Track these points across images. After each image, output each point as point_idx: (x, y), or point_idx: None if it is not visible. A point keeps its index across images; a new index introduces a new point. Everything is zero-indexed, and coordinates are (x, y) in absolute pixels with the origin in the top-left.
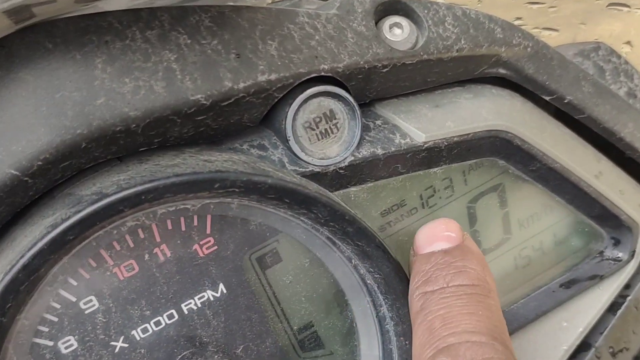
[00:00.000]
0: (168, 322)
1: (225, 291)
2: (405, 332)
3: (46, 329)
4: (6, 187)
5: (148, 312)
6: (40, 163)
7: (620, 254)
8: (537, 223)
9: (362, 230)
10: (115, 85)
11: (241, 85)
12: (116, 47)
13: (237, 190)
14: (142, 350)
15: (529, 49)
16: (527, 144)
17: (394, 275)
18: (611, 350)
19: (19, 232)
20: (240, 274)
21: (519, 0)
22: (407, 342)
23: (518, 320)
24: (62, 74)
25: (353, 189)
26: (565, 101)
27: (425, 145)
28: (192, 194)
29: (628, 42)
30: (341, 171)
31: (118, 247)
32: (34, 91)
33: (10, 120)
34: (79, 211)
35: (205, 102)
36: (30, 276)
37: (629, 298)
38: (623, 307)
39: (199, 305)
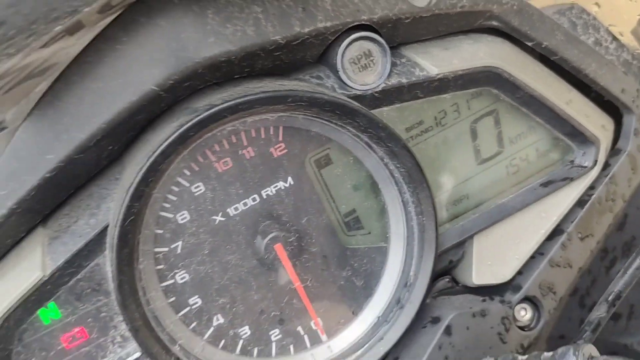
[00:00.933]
0: (252, 203)
1: (292, 182)
2: (422, 212)
3: (168, 205)
4: (149, 99)
5: (238, 196)
6: (171, 82)
7: (586, 162)
8: (523, 140)
9: (391, 135)
10: (220, 29)
11: (306, 29)
12: (221, 3)
13: (302, 104)
14: (234, 222)
15: (514, 6)
16: (513, 77)
17: (414, 169)
18: (579, 235)
19: (150, 134)
20: (302, 171)
21: None
22: (423, 219)
23: (508, 210)
24: (185, 21)
25: (385, 108)
26: (543, 46)
27: (438, 77)
28: (272, 106)
29: (596, 3)
30: (376, 94)
31: (218, 148)
32: (166, 33)
33: (151, 52)
34: (197, 116)
35: (281, 41)
36: (165, 160)
37: (593, 196)
38: (588, 203)
39: (274, 192)
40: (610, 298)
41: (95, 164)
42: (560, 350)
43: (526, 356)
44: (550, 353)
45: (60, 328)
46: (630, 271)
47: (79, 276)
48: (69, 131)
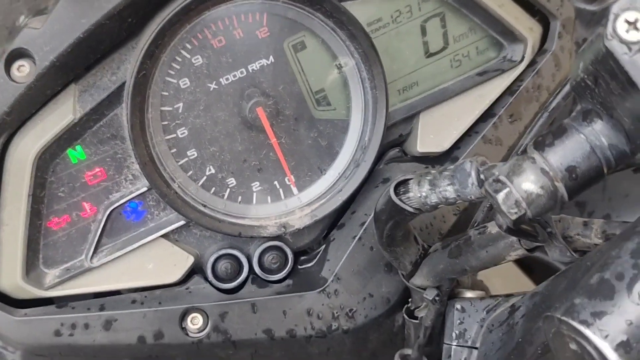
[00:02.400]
0: (240, 75)
1: (273, 60)
2: (376, 86)
3: (172, 72)
4: None
5: (229, 68)
6: None
7: (515, 57)
8: (465, 39)
9: (351, 19)
10: None
11: None
12: None
13: None
14: (225, 89)
15: None
16: None
17: (370, 50)
18: (509, 119)
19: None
20: (282, 52)
21: None
22: (376, 92)
23: (449, 93)
24: None
25: (349, 2)
26: None
27: None
28: None
29: None
30: None
31: (213, 27)
32: None
33: None
34: None
35: None
36: (171, 27)
37: (521, 86)
38: (517, 91)
39: (258, 67)
40: (519, 152)
41: (117, 34)
42: (459, 162)
43: (434, 171)
44: (454, 165)
45: (84, 167)
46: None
47: (101, 122)
48: (99, 1)
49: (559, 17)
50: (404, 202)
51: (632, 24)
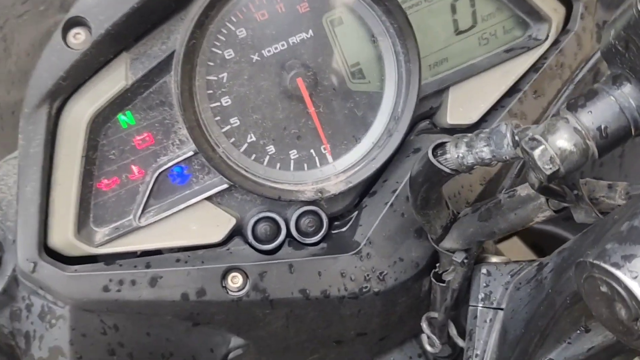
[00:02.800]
0: (281, 48)
1: (312, 34)
2: (410, 60)
3: (218, 43)
4: None
5: (271, 41)
6: None
7: (540, 36)
8: (493, 18)
9: None
10: None
11: None
12: None
13: None
14: (267, 60)
15: None
16: None
17: (405, 25)
18: (534, 95)
19: None
20: (320, 27)
21: None
22: (410, 65)
23: (477, 69)
24: None
25: None
26: None
27: None
28: None
29: None
30: None
31: (257, 2)
32: None
33: None
34: None
35: None
36: (204, 19)
37: (545, 64)
38: (542, 69)
39: (298, 40)
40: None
41: (167, 5)
42: (495, 125)
43: (470, 134)
44: (489, 128)
45: (134, 131)
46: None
47: (151, 89)
48: None
49: None
50: (441, 164)
51: None
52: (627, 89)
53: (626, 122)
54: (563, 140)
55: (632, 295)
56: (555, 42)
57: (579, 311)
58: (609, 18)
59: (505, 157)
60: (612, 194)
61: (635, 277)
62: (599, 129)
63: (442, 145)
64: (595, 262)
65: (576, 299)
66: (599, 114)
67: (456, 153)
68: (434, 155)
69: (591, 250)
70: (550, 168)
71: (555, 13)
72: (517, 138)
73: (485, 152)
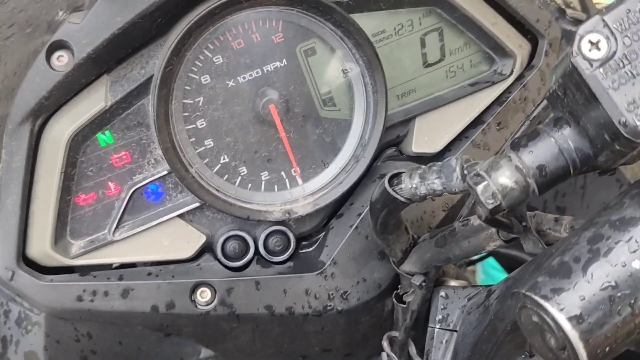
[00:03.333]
0: (256, 75)
1: (286, 63)
2: (377, 90)
3: (195, 69)
4: None
5: (246, 68)
6: None
7: (505, 71)
8: (460, 53)
9: (357, 29)
10: None
11: None
12: None
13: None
14: (242, 86)
15: None
16: (454, 1)
17: (373, 57)
18: (497, 126)
19: (187, 16)
20: (294, 56)
21: None
22: (377, 96)
23: (443, 100)
24: None
25: (356, 14)
26: None
27: None
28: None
29: None
30: (350, 2)
31: (234, 31)
32: None
33: None
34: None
35: None
36: (197, 28)
37: (509, 97)
38: (505, 102)
39: (272, 68)
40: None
41: (148, 32)
42: (446, 159)
43: (424, 166)
44: (441, 161)
45: (112, 150)
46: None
47: (129, 111)
48: (134, 2)
49: (547, 36)
50: (397, 192)
51: (594, 44)
52: (567, 131)
53: (565, 162)
54: (505, 178)
55: (559, 326)
56: (520, 77)
57: (520, 338)
58: None
59: (455, 190)
60: (558, 227)
61: (562, 310)
62: (539, 167)
63: (398, 175)
64: (527, 293)
65: (516, 326)
66: (540, 153)
67: (410, 184)
68: (390, 185)
69: (526, 281)
70: (492, 203)
71: (520, 49)
72: (465, 172)
73: (436, 184)
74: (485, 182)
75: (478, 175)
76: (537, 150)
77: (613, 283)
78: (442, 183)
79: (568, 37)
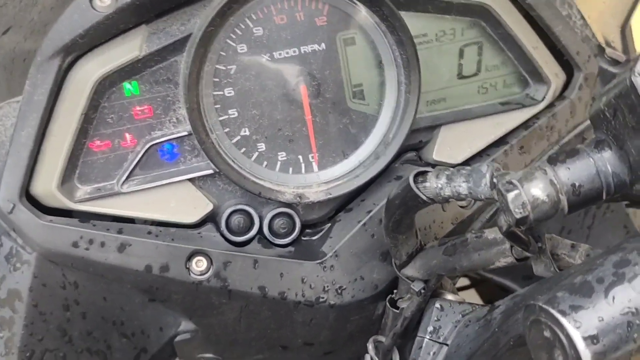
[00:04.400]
0: (292, 53)
1: (324, 48)
2: (410, 91)
3: (234, 36)
4: None
5: (284, 45)
6: None
7: (537, 96)
8: (496, 71)
9: (403, 26)
10: None
11: None
12: None
13: None
14: (276, 62)
15: None
16: (500, 16)
17: (412, 58)
18: (519, 150)
19: None
20: (333, 43)
21: None
22: (409, 96)
23: (471, 114)
24: None
25: (403, 12)
26: (527, 1)
27: None
28: None
29: None
30: None
31: (279, 5)
32: None
33: None
34: None
35: None
36: (226, 9)
37: (536, 123)
38: (532, 127)
39: (310, 50)
40: None
41: None
42: (476, 164)
43: (452, 169)
44: (471, 166)
45: (135, 101)
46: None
47: (161, 65)
48: None
49: (584, 70)
50: (420, 190)
51: None
52: (607, 154)
53: (599, 185)
54: (537, 189)
55: (572, 344)
56: (550, 105)
57: (521, 355)
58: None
59: (481, 196)
60: (574, 254)
61: (579, 327)
62: (572, 185)
63: (424, 173)
64: (544, 306)
65: (520, 341)
66: (576, 172)
67: (436, 183)
68: (415, 182)
69: (542, 295)
70: (521, 213)
71: (555, 78)
72: (495, 180)
73: (462, 187)
74: (517, 191)
75: (511, 183)
76: (574, 168)
77: (634, 309)
78: (468, 187)
79: (605, 77)
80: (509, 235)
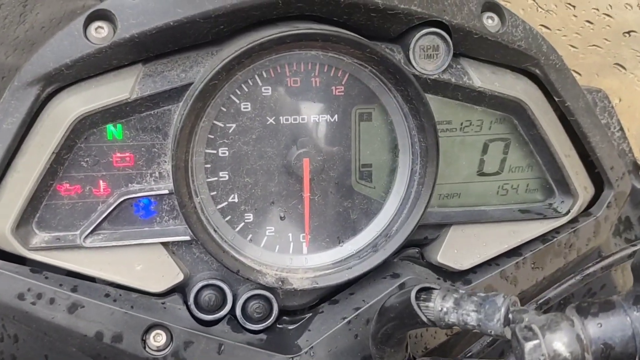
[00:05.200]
0: (301, 121)
1: (336, 120)
2: (424, 183)
3: (239, 92)
4: (267, 3)
5: (293, 110)
6: None
7: (561, 209)
8: (520, 173)
9: (427, 112)
10: None
11: (402, 6)
12: None
13: (376, 58)
14: (282, 128)
15: (557, 65)
16: (534, 116)
17: (432, 148)
18: (532, 264)
19: (253, 34)
20: (347, 116)
21: (564, 40)
22: (422, 189)
23: (487, 217)
24: None
25: (429, 95)
26: (565, 104)
27: (478, 89)
28: (349, 48)
29: (619, 98)
30: (429, 81)
31: (295, 67)
32: None
33: None
34: (282, 33)
35: (381, 5)
36: (254, 53)
37: (556, 239)
38: (550, 242)
39: (320, 120)
40: (539, 302)
41: (204, 35)
42: (492, 294)
43: (463, 291)
44: (484, 294)
45: (117, 147)
46: (565, 285)
47: (151, 112)
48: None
49: (615, 188)
50: (421, 309)
51: None
52: None
53: (634, 349)
54: (561, 344)
55: None
56: (573, 221)
57: None
58: (635, 216)
59: (491, 332)
60: None
61: None
62: (604, 345)
63: (428, 290)
64: None
65: None
66: (609, 330)
67: (440, 306)
68: (416, 298)
69: None
70: None
71: (584, 192)
72: (510, 316)
73: (471, 317)
74: (536, 341)
75: (530, 329)
76: (607, 325)
77: None
78: (478, 319)
79: (634, 196)
80: None
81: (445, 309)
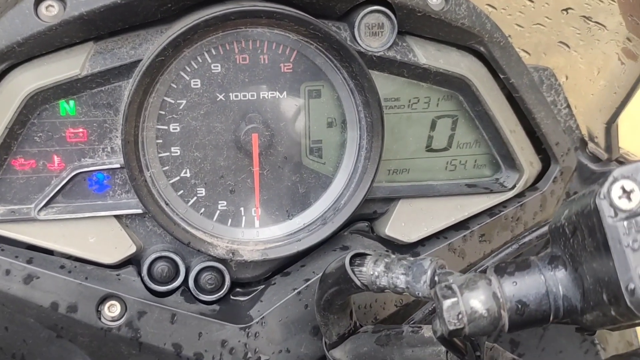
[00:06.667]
0: (250, 97)
1: (285, 96)
2: (370, 157)
3: (189, 69)
4: None
5: (242, 87)
6: None
7: (507, 183)
8: (468, 149)
9: (372, 87)
10: None
11: None
12: None
13: (319, 34)
14: (231, 104)
15: (501, 42)
16: (479, 92)
17: (378, 122)
18: (480, 237)
19: (200, 11)
20: (296, 93)
21: (510, 20)
22: (368, 163)
23: (434, 192)
24: None
25: (376, 72)
26: (510, 81)
27: (423, 66)
28: (293, 25)
29: (566, 75)
30: (374, 58)
31: (243, 45)
32: None
33: None
34: (227, 9)
35: None
36: (200, 29)
37: (502, 212)
38: (496, 215)
39: (269, 97)
40: (478, 270)
41: (152, 14)
42: (420, 257)
43: (393, 256)
44: (413, 258)
45: (70, 122)
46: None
47: (102, 88)
48: None
49: (561, 163)
50: (355, 274)
51: (626, 192)
52: (561, 274)
53: (547, 307)
54: (477, 301)
55: None
56: (520, 195)
57: None
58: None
59: (418, 294)
60: None
61: None
62: (518, 302)
63: (361, 255)
64: None
65: None
66: (524, 288)
67: (373, 270)
68: (351, 264)
69: None
70: (455, 324)
71: (530, 166)
72: (436, 279)
73: (400, 280)
74: (454, 299)
75: (450, 288)
76: (522, 284)
77: None
78: (407, 281)
79: (583, 173)
80: (444, 341)
81: (376, 273)
